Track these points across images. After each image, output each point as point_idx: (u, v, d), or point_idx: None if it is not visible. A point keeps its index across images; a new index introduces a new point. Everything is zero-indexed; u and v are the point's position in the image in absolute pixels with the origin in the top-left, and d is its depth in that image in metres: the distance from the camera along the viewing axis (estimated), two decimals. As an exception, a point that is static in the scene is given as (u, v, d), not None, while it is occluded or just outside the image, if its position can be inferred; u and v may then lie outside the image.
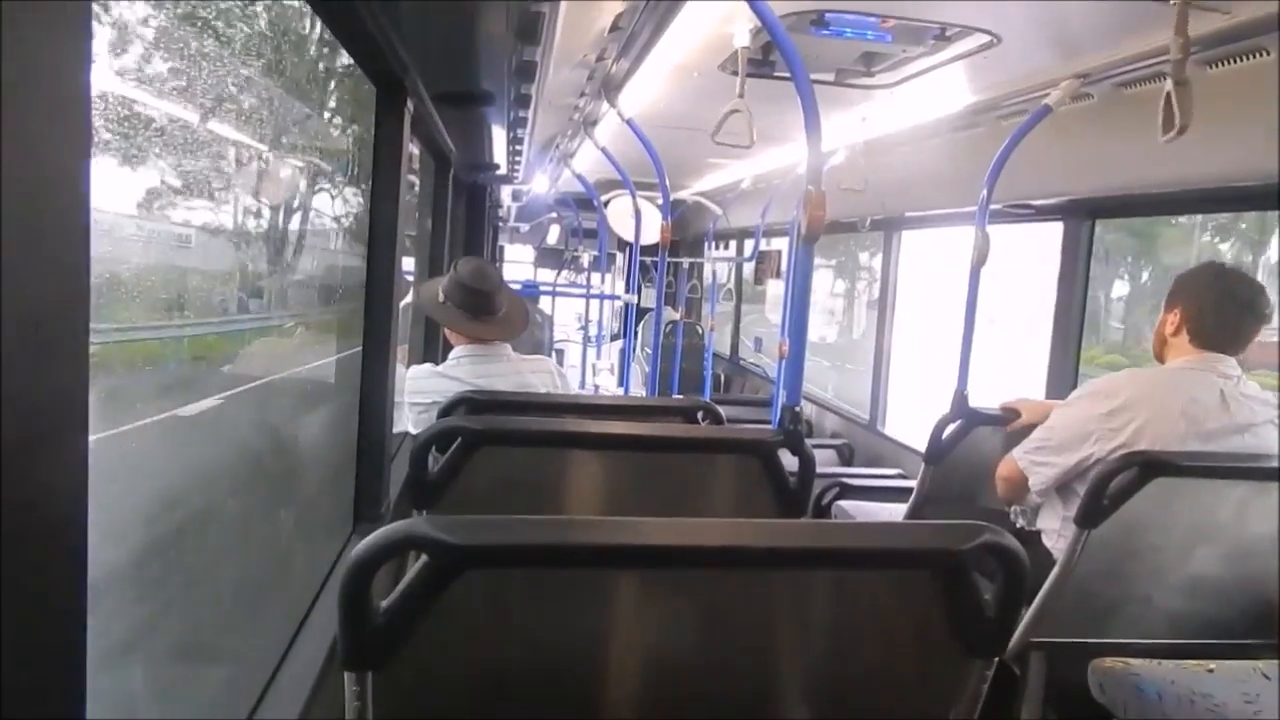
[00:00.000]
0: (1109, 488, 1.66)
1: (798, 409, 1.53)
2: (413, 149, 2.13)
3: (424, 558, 0.78)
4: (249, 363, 1.47)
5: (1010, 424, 2.26)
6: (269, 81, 1.36)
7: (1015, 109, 2.43)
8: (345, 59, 1.67)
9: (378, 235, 1.81)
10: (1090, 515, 1.68)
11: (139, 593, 1.03)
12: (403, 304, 2.09)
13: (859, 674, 0.93)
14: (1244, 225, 3.38)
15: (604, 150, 3.33)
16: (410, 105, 1.83)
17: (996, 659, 0.91)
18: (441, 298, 2.31)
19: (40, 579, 0.43)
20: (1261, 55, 1.74)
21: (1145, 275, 3.99)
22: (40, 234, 0.42)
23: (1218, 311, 1.85)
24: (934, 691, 0.93)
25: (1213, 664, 1.71)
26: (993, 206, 2.48)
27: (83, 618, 0.47)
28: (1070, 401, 1.96)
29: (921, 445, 2.52)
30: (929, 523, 0.98)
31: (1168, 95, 1.55)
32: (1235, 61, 1.81)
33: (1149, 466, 1.64)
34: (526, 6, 1.41)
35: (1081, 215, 2.77)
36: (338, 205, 2.07)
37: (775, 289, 5.73)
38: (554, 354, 6.62)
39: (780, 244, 5.42)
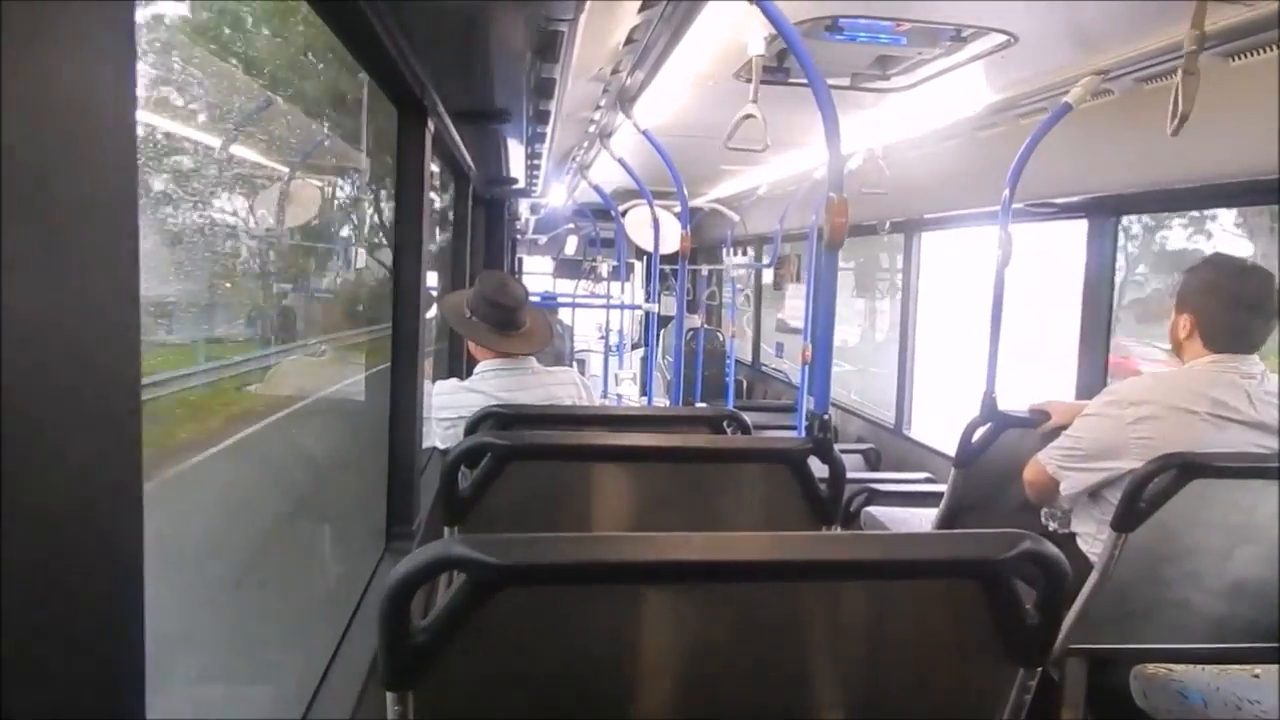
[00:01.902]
0: (1145, 491, 1.64)
1: (826, 417, 1.53)
2: (433, 166, 2.15)
3: (462, 576, 0.79)
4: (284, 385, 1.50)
5: (1040, 426, 2.23)
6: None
7: (1035, 107, 2.41)
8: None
9: (403, 253, 1.83)
10: (1127, 519, 1.66)
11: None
12: (427, 317, 2.11)
13: (899, 686, 0.92)
14: None
15: (621, 161, 3.35)
16: (431, 125, 1.85)
17: (1039, 667, 0.90)
18: (467, 313, 2.33)
19: (98, 583, 0.44)
20: (1286, 46, 1.72)
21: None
22: (93, 245, 0.43)
23: (1225, 313, 1.82)
24: (976, 702, 0.92)
25: (1258, 669, 1.67)
26: (1015, 205, 2.46)
27: (140, 623, 0.48)
28: (1094, 409, 1.92)
29: (948, 448, 2.50)
30: (968, 531, 0.97)
31: (1176, 85, 1.55)
32: (1258, 53, 1.78)
33: (1185, 469, 1.62)
34: (545, 25, 1.43)
35: (1106, 212, 2.74)
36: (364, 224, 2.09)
37: (794, 291, 5.71)
38: (575, 364, 6.64)
39: (798, 248, 5.40)
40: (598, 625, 0.87)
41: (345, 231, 1.95)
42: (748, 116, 1.96)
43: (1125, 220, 2.88)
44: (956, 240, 3.91)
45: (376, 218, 2.25)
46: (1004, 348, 2.52)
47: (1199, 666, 1.69)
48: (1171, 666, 1.70)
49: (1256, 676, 1.65)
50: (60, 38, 0.39)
